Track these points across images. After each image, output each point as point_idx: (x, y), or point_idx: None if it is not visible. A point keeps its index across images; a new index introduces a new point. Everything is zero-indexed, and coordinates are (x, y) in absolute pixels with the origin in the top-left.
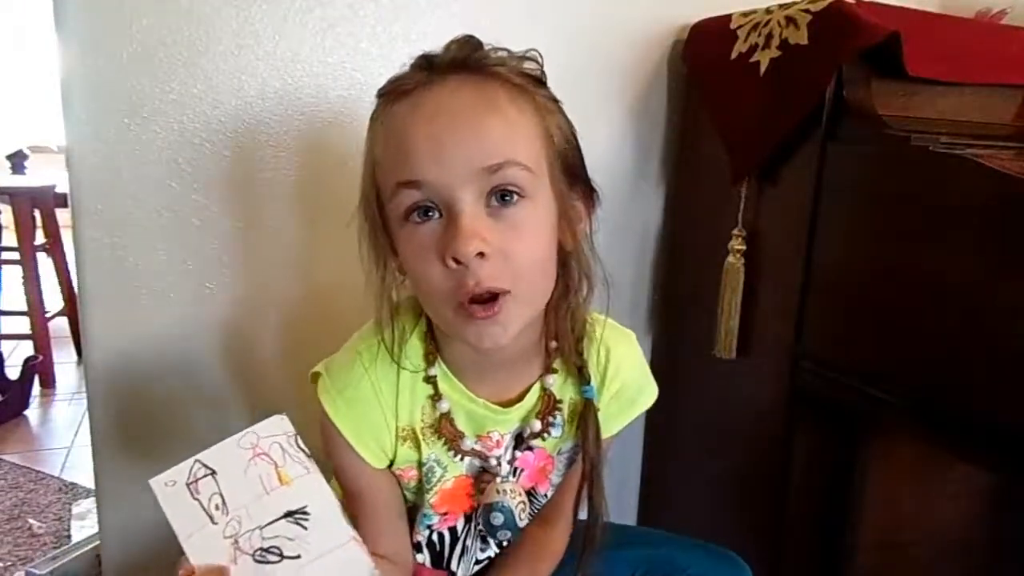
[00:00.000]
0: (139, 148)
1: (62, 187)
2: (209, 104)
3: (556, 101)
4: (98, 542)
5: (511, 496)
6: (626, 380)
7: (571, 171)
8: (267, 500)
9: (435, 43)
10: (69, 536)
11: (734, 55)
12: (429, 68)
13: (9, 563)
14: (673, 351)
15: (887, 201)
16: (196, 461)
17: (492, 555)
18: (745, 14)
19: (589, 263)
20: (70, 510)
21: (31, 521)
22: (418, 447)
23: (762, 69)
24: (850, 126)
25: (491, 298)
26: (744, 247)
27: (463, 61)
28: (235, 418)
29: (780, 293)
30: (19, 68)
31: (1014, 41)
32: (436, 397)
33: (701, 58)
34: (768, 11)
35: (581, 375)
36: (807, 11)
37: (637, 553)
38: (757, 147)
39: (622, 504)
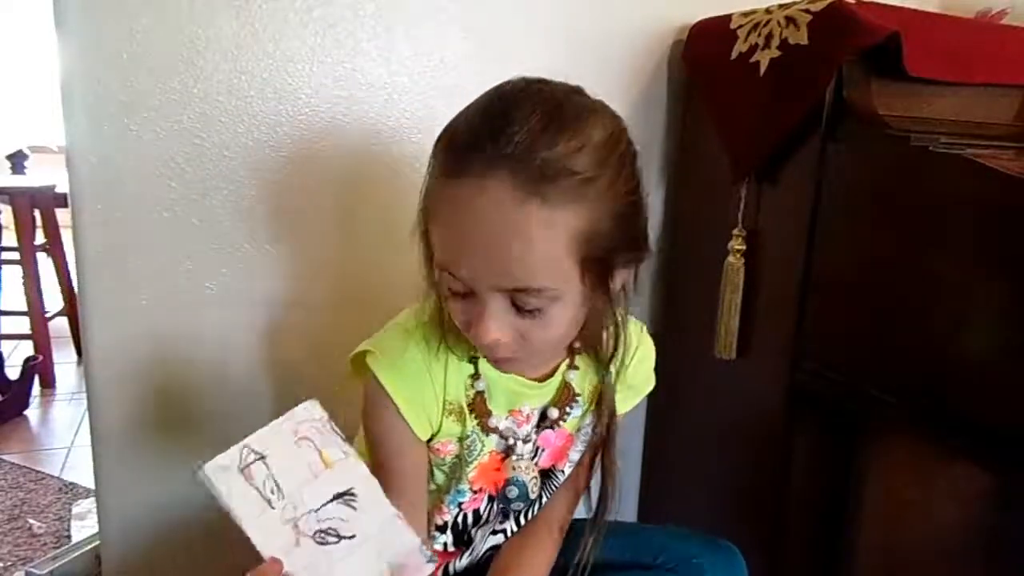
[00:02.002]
0: (139, 148)
1: (62, 187)
2: (209, 104)
3: (615, 181)
4: (98, 542)
5: (525, 472)
6: (643, 360)
7: (608, 262)
8: (316, 484)
9: (434, 45)
10: (69, 536)
11: (734, 55)
12: (480, 150)
13: (9, 563)
14: (673, 351)
15: (887, 201)
16: (244, 447)
17: (508, 529)
18: (745, 14)
19: (622, 311)
20: (70, 510)
21: (31, 521)
22: (463, 421)
23: (762, 69)
24: (850, 126)
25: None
26: (744, 247)
27: (518, 161)
28: (235, 418)
29: (780, 293)
30: (19, 68)
31: (1014, 41)
32: (475, 376)
33: (701, 58)
34: (768, 11)
35: (600, 364)
36: (807, 11)
37: (630, 540)
38: (757, 147)
39: (622, 504)
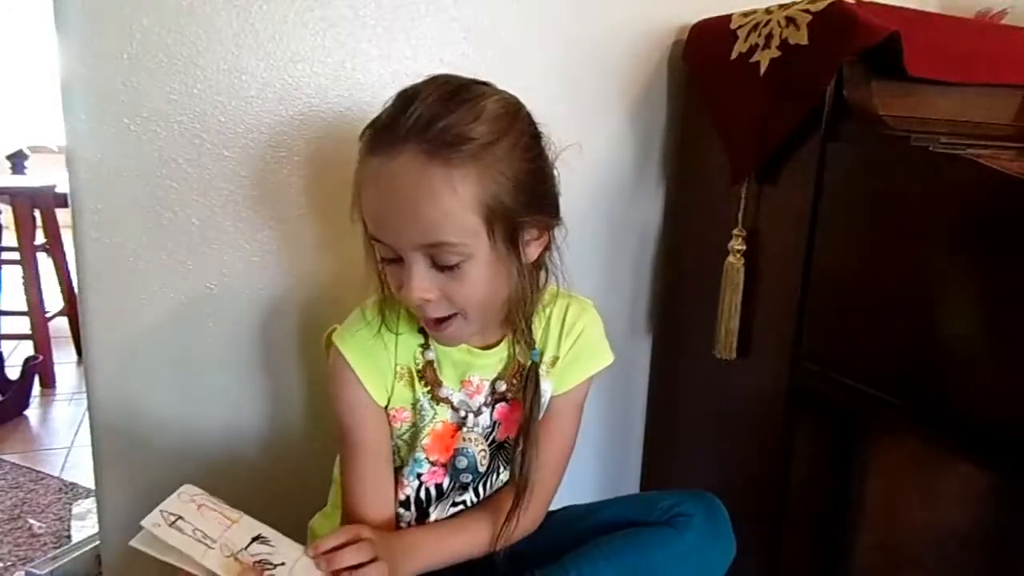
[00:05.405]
0: (139, 148)
1: (62, 187)
2: (209, 104)
3: (512, 149)
4: (98, 542)
5: (474, 443)
6: (584, 329)
7: (513, 222)
8: (232, 533)
9: (434, 44)
10: (69, 536)
11: (734, 55)
12: (393, 128)
13: (9, 563)
14: (673, 351)
15: (887, 201)
16: (162, 511)
17: (468, 501)
18: (745, 14)
19: (543, 271)
20: (70, 510)
21: (31, 521)
22: (412, 387)
23: (762, 69)
24: (850, 126)
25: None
26: (744, 247)
27: (421, 131)
28: (234, 418)
29: (780, 293)
30: (19, 68)
31: (1014, 41)
32: (425, 346)
33: (701, 58)
34: (768, 11)
35: (529, 342)
36: (807, 11)
37: (629, 505)
38: (757, 147)
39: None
